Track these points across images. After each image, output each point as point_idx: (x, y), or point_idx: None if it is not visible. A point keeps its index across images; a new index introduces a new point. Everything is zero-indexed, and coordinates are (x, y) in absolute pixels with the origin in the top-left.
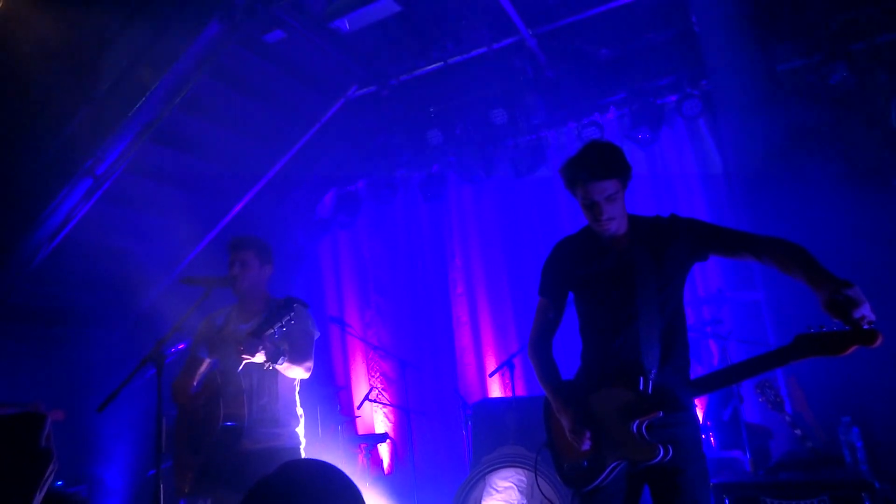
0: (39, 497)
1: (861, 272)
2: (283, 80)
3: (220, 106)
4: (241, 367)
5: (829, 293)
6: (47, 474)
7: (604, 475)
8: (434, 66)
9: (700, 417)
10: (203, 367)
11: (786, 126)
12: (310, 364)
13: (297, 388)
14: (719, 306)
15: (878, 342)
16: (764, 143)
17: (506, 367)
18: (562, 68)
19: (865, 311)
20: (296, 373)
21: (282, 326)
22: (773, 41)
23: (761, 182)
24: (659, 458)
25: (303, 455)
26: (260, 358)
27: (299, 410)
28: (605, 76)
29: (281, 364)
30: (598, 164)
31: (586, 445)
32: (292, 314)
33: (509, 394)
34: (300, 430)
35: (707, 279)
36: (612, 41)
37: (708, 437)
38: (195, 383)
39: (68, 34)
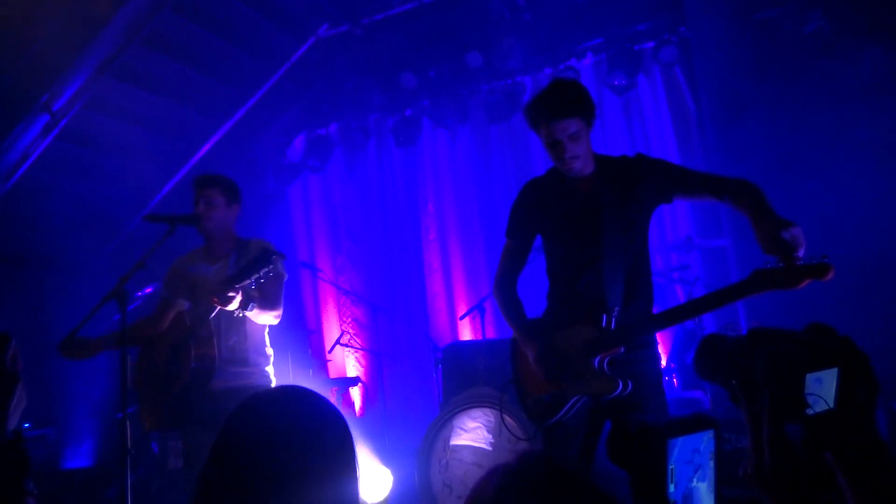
0: (14, 421)
1: (825, 218)
2: (251, 15)
3: (185, 42)
4: (213, 314)
5: (770, 228)
6: (15, 396)
7: (565, 409)
8: (409, 5)
9: (664, 360)
10: (174, 310)
11: (759, 74)
12: (279, 311)
13: (267, 329)
14: (687, 252)
15: (830, 276)
16: (737, 90)
17: (476, 310)
18: (540, 11)
19: (800, 252)
20: (265, 319)
21: (259, 278)
22: None
23: (732, 130)
24: (618, 391)
25: None
26: (233, 306)
27: (269, 350)
28: (583, 20)
29: (251, 311)
30: (560, 103)
31: (550, 375)
32: (270, 266)
33: (479, 337)
34: (269, 369)
35: (676, 226)
36: None
37: (671, 378)
38: (163, 325)
39: None
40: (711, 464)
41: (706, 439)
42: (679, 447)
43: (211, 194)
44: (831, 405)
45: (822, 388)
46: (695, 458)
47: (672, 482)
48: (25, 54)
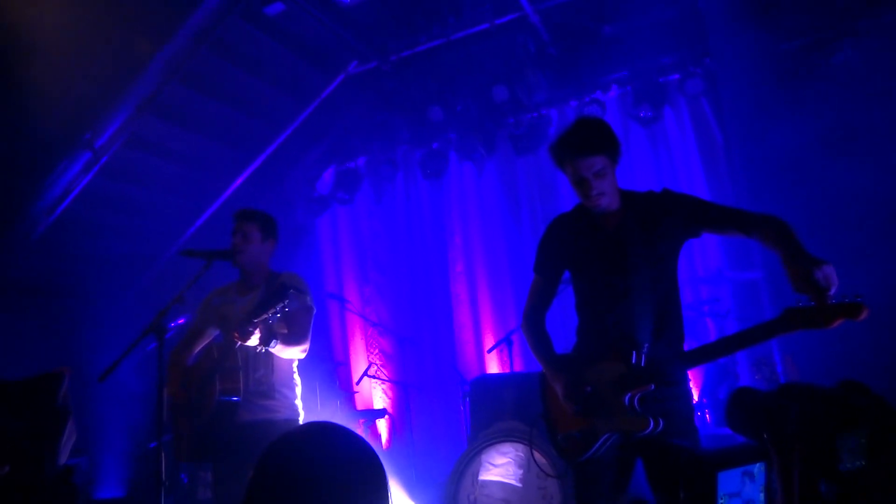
0: (64, 454)
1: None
2: (283, 54)
3: (220, 80)
4: (237, 345)
5: (803, 268)
6: (66, 431)
7: (597, 446)
8: (435, 41)
9: (696, 395)
10: (204, 342)
11: (787, 105)
12: (305, 346)
13: (295, 362)
14: (718, 285)
15: (864, 315)
16: (766, 122)
17: (504, 343)
18: (564, 45)
19: (834, 291)
20: (290, 353)
21: (276, 313)
22: (777, 19)
23: (763, 162)
24: (650, 429)
25: None
26: (253, 341)
27: (297, 381)
28: (608, 53)
29: (273, 347)
30: (585, 140)
31: (580, 410)
32: (286, 302)
33: (507, 370)
34: (298, 402)
35: (706, 258)
36: (616, 18)
37: (704, 413)
38: (193, 357)
39: (68, 8)
40: (762, 497)
41: (757, 472)
42: (727, 479)
43: (248, 228)
44: (864, 463)
45: (856, 445)
46: (744, 489)
47: None
48: (70, 93)
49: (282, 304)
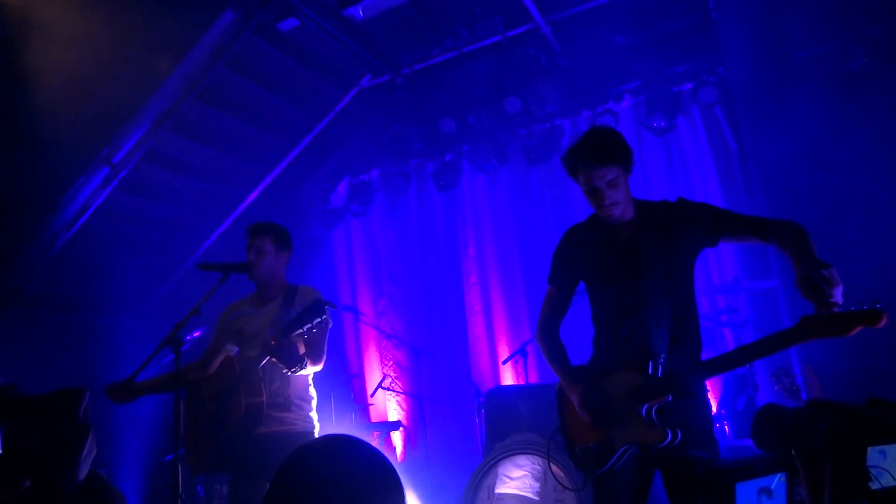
0: (84, 469)
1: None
2: (297, 69)
3: (236, 96)
4: (264, 362)
5: (804, 271)
6: (87, 447)
7: (614, 458)
8: (447, 54)
9: (714, 407)
10: (222, 356)
11: (803, 113)
12: (322, 362)
13: (311, 374)
14: (735, 295)
15: (883, 322)
16: (781, 130)
17: (519, 355)
18: (576, 56)
19: (837, 294)
20: (310, 370)
21: (311, 328)
22: (791, 27)
23: (778, 170)
24: (667, 441)
25: None
26: (289, 364)
27: (312, 393)
28: (621, 64)
29: (305, 368)
30: (597, 150)
31: (595, 422)
32: (324, 318)
33: (522, 382)
34: (313, 414)
35: (723, 267)
36: (628, 28)
37: (722, 425)
38: (210, 370)
39: (86, 24)
40: None
41: (775, 488)
42: (743, 494)
43: (262, 242)
44: None
45: (887, 461)
46: (762, 501)
47: None
48: (88, 110)
49: (319, 320)
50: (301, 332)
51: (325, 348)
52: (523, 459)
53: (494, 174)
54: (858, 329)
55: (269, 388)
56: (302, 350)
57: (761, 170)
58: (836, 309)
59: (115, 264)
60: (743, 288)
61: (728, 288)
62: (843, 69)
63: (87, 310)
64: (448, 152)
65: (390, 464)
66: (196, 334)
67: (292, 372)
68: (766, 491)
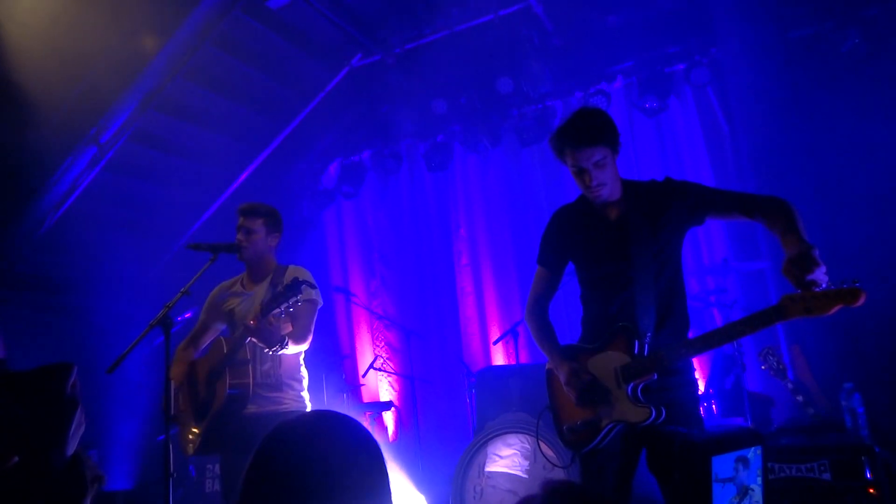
0: (73, 445)
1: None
2: (287, 48)
3: (224, 75)
4: (247, 340)
5: (787, 252)
6: (75, 422)
7: (600, 436)
8: (439, 33)
9: (702, 386)
10: (210, 337)
11: (795, 93)
12: (308, 342)
13: (302, 354)
14: (724, 276)
15: (862, 301)
16: (773, 111)
17: (510, 335)
18: (569, 36)
19: (817, 275)
20: (295, 349)
21: (288, 307)
22: (783, 7)
23: (769, 152)
24: (651, 419)
25: None
26: (269, 343)
27: (304, 373)
28: (613, 44)
29: (286, 347)
30: (584, 131)
31: (581, 400)
32: (299, 296)
33: (513, 362)
34: (304, 394)
35: (712, 248)
36: (620, 8)
37: (710, 404)
38: (199, 352)
39: (72, 2)
40: (759, 481)
41: (751, 457)
42: (721, 464)
43: (251, 223)
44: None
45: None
46: (738, 475)
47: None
48: (76, 89)
49: (295, 298)
50: (279, 312)
51: (311, 327)
52: (513, 438)
53: (486, 155)
54: (838, 307)
55: (260, 369)
56: (288, 329)
57: (752, 151)
58: (815, 289)
59: (105, 245)
60: (732, 269)
61: (717, 269)
62: (836, 49)
63: (76, 291)
64: (440, 133)
65: (371, 437)
66: (187, 315)
67: (273, 351)
68: (743, 460)
